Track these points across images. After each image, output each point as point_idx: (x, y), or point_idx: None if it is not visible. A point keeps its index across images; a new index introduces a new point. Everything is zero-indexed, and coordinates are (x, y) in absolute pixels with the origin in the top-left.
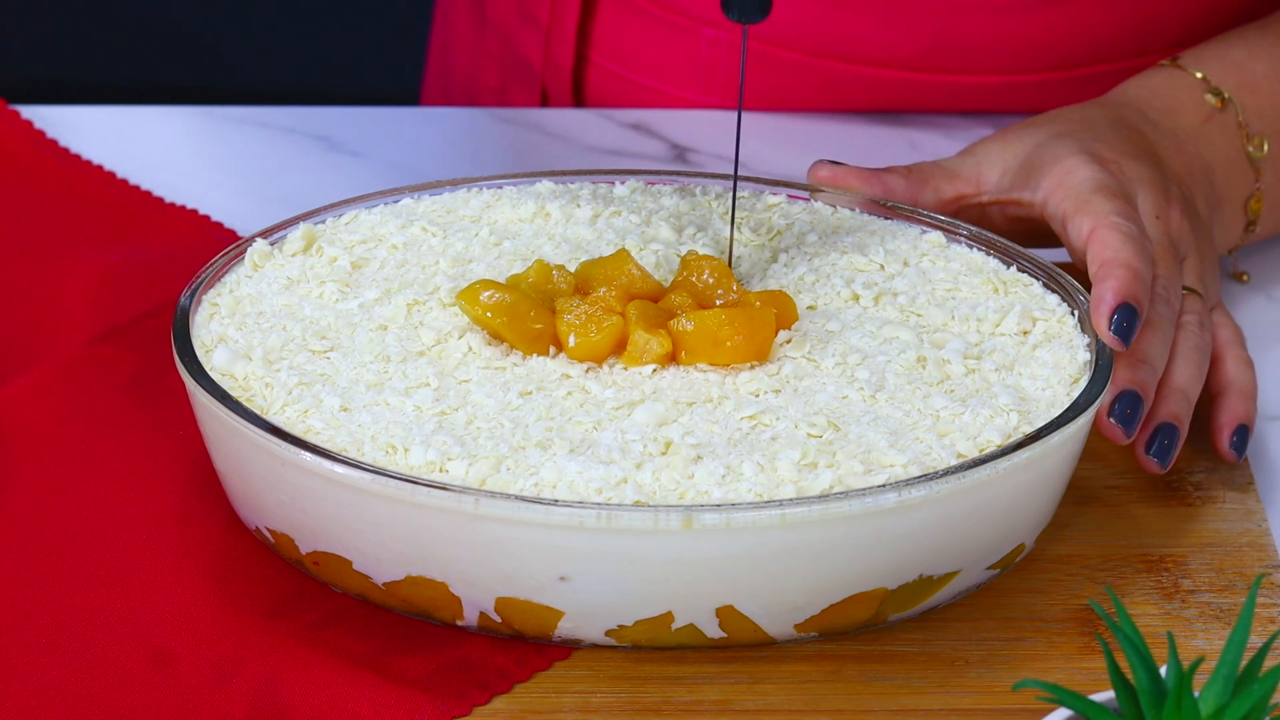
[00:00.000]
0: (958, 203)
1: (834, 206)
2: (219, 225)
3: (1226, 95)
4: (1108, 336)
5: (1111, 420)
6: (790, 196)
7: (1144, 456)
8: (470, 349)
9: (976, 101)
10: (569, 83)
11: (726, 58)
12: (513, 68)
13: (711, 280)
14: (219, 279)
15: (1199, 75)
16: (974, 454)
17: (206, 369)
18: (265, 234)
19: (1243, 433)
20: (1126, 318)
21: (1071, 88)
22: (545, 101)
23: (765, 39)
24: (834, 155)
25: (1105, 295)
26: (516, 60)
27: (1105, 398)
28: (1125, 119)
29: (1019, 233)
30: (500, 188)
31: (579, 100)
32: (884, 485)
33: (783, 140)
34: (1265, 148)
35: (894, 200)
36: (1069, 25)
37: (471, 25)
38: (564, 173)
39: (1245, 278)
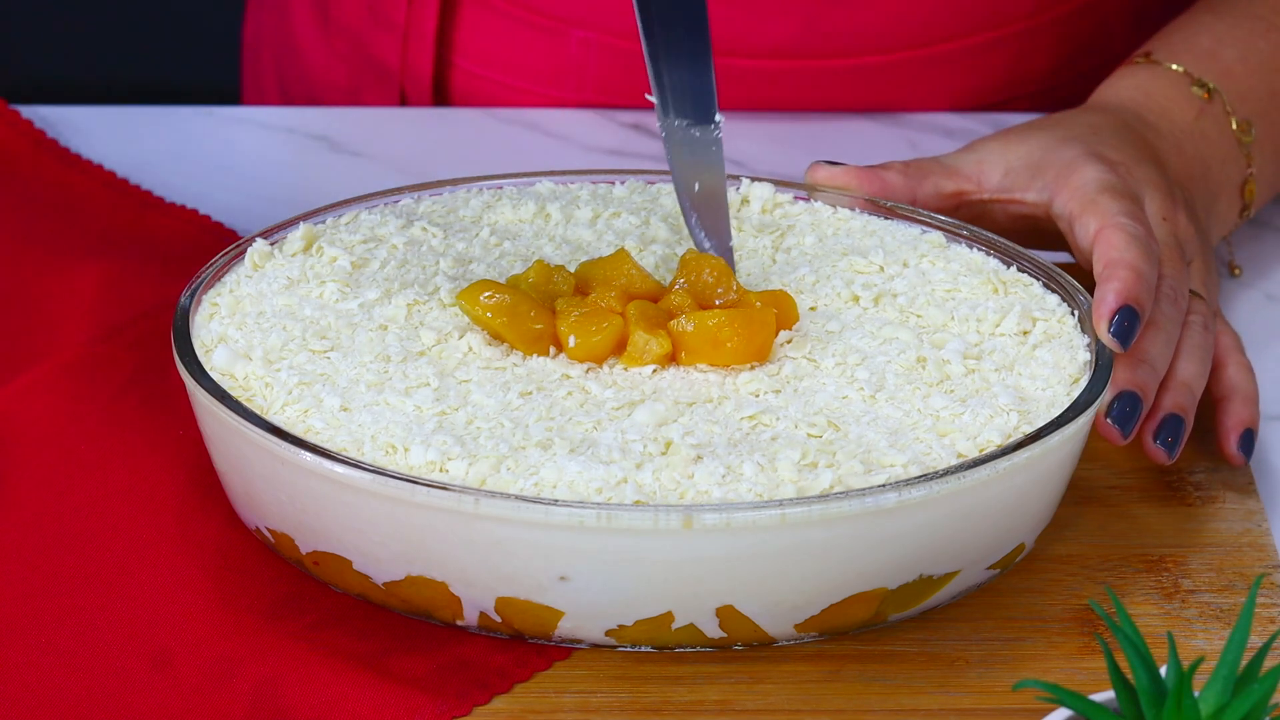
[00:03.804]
0: (957, 198)
1: (834, 207)
2: (219, 225)
3: (1211, 86)
4: (1107, 338)
5: (1109, 420)
6: (796, 198)
7: (1152, 446)
8: (470, 349)
9: (851, 86)
10: (429, 86)
11: (598, 58)
12: (365, 70)
13: (711, 280)
14: (219, 279)
15: (1179, 69)
16: (974, 454)
17: (206, 369)
18: (265, 234)
19: (1249, 436)
20: (1127, 319)
21: (942, 64)
22: (404, 103)
23: (632, 35)
24: (833, 155)
25: (1107, 297)
26: (369, 62)
27: (1105, 398)
28: (1127, 123)
29: (1021, 231)
30: (500, 188)
31: (442, 103)
32: (884, 485)
33: (783, 140)
34: (1252, 132)
35: (892, 195)
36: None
37: (314, 25)
38: (564, 172)
39: (1237, 271)
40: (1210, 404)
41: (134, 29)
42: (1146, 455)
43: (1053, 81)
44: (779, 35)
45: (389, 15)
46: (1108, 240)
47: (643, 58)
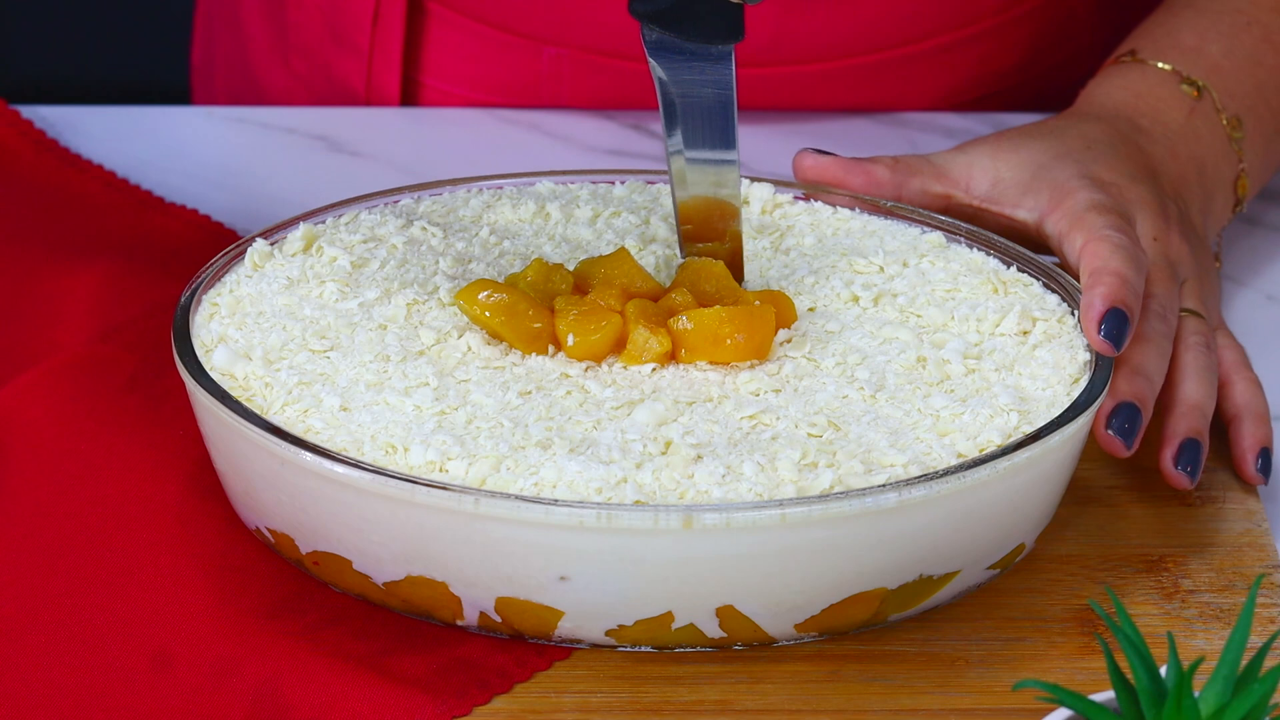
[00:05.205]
0: (944, 200)
1: (834, 207)
2: (219, 225)
3: (1200, 83)
4: (1098, 341)
5: (1110, 433)
6: (796, 199)
7: (1173, 472)
8: (470, 349)
9: (823, 90)
10: (396, 106)
11: (571, 73)
12: (328, 92)
13: (711, 283)
14: (219, 279)
15: (1166, 67)
16: (974, 454)
17: (206, 369)
18: (265, 234)
19: (1266, 456)
20: (1116, 321)
21: (913, 64)
22: None
23: (605, 51)
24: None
25: (1094, 302)
26: (331, 85)
27: (1104, 402)
28: (1122, 134)
29: (1011, 239)
30: (500, 188)
31: None
32: (884, 485)
33: (783, 140)
34: (1242, 127)
35: (878, 190)
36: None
37: (270, 46)
38: (564, 172)
39: (1217, 263)
40: (1219, 421)
41: (135, 30)
42: (1167, 482)
43: (1023, 76)
44: (750, 44)
45: (352, 37)
46: (1093, 251)
47: (617, 71)
